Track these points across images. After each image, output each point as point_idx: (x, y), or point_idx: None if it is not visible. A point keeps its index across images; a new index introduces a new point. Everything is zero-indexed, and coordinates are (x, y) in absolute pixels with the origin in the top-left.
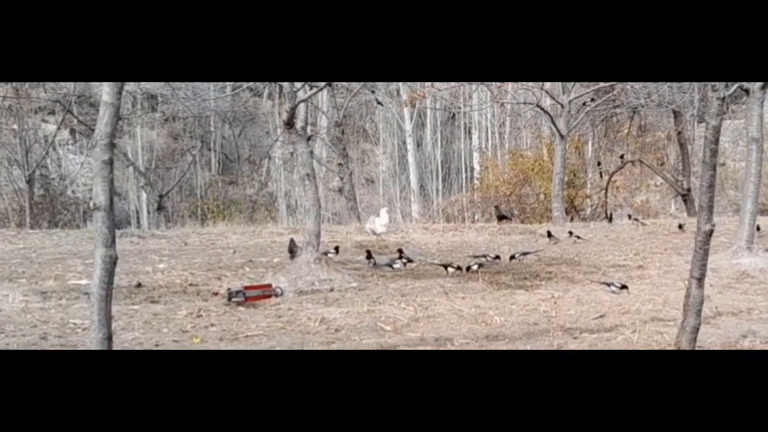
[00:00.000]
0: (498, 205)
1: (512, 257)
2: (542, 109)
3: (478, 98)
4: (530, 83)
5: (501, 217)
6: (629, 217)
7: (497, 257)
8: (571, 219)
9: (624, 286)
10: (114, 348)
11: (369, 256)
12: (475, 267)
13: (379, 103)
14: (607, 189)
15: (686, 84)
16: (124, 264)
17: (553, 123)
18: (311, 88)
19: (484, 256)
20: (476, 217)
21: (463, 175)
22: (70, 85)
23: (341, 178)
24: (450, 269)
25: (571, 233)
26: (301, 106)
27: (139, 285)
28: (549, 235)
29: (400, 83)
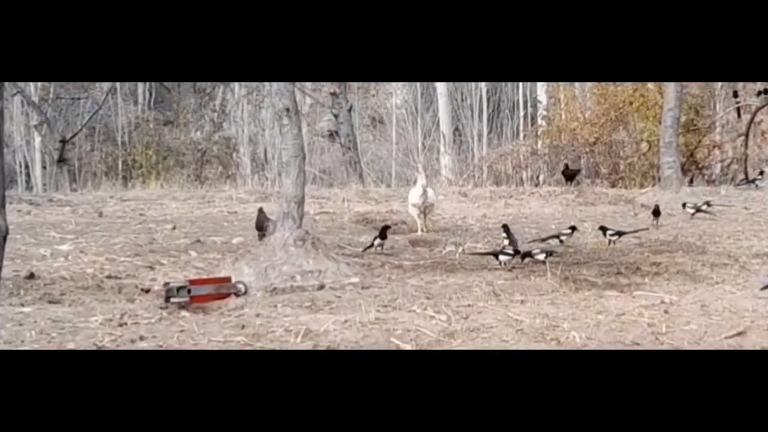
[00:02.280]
0: (569, 162)
1: (603, 229)
2: None
3: None
4: None
5: (570, 177)
6: None
7: (573, 229)
8: (691, 180)
9: None
10: None
11: (384, 235)
12: (540, 255)
13: None
14: (747, 135)
15: None
16: (7, 243)
17: None
18: None
19: (557, 236)
20: (541, 177)
21: (521, 113)
22: None
23: (335, 116)
24: (503, 257)
25: (696, 208)
26: None
27: (31, 276)
28: (656, 213)
29: None
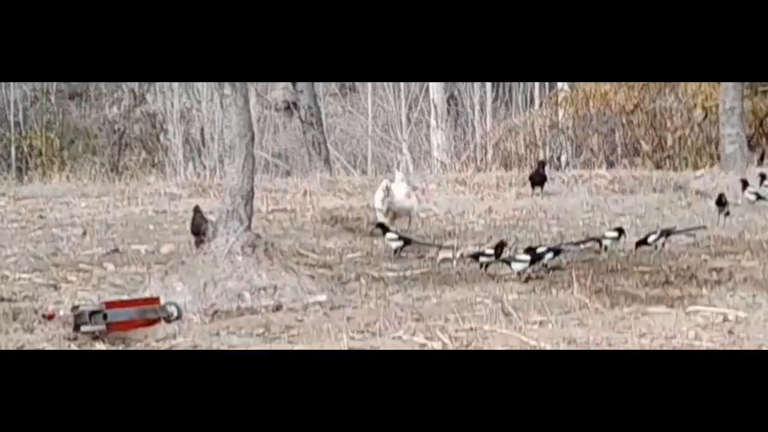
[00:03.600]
0: (543, 160)
1: (643, 242)
2: None
3: None
4: None
5: (540, 182)
6: None
7: (620, 231)
8: (761, 158)
9: None
10: None
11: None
12: (561, 259)
13: None
14: None
15: None
16: None
17: None
18: None
19: (598, 240)
20: (563, 158)
21: None
22: None
23: (293, 83)
24: (516, 265)
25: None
26: None
27: None
28: (721, 203)
29: None
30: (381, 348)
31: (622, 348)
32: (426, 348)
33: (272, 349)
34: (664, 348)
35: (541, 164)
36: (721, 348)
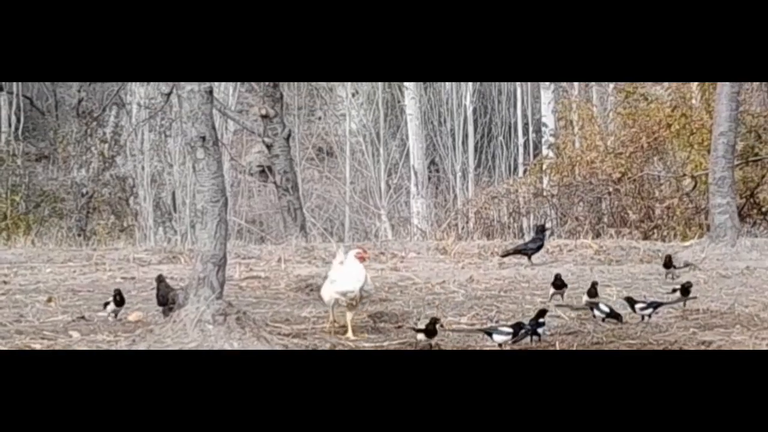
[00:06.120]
0: (543, 224)
1: (630, 302)
2: None
3: None
4: None
5: (534, 250)
6: None
7: (615, 317)
8: (753, 225)
9: None
10: None
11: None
12: (545, 330)
13: None
14: None
15: None
16: None
17: None
18: None
19: (591, 307)
20: (548, 226)
21: (520, 140)
22: None
23: (268, 147)
24: (498, 337)
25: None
26: None
27: None
28: (667, 265)
29: None
30: None
31: None
32: None
33: None
34: None
35: (540, 229)
36: None
